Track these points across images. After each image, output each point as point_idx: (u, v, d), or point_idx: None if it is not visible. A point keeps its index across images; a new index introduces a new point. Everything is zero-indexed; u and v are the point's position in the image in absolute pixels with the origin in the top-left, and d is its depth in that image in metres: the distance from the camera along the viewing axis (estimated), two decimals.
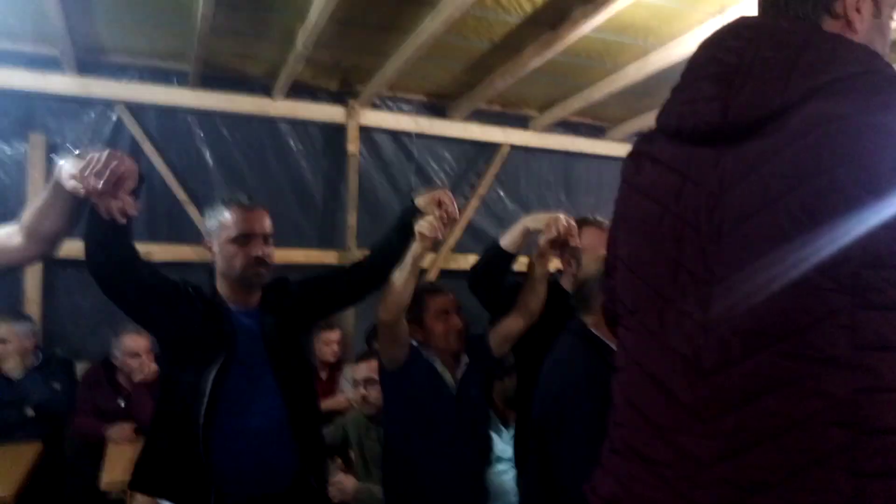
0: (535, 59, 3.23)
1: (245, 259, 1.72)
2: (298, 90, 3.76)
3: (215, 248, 1.76)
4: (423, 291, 2.05)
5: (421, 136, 4.15)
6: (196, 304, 1.72)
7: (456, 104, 4.11)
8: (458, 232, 4.17)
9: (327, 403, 3.23)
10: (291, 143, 3.89)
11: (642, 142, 1.14)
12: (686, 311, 0.97)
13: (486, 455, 2.16)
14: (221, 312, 1.73)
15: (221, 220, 1.75)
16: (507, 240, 2.06)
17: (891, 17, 1.02)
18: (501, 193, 4.43)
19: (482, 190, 4.30)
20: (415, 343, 2.05)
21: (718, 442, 0.91)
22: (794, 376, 0.87)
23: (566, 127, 4.52)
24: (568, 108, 4.08)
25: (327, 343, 3.47)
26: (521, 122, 4.41)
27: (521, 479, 2.12)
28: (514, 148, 4.38)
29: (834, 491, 0.84)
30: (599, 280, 1.59)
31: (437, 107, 4.17)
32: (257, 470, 1.67)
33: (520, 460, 2.17)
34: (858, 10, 0.97)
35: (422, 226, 1.80)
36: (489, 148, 4.34)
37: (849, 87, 0.89)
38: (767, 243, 0.90)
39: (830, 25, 0.97)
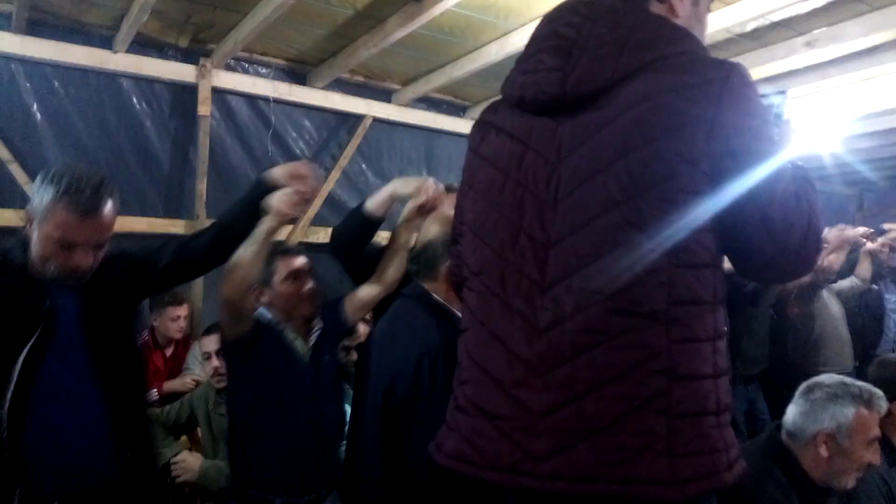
0: (399, 31, 3.21)
1: (60, 266, 1.50)
2: (144, 44, 3.48)
3: (34, 227, 1.52)
4: (274, 254, 1.97)
5: (280, 103, 3.99)
6: (6, 275, 1.51)
7: (317, 71, 3.99)
8: (317, 204, 4.08)
9: (172, 385, 3.08)
10: (135, 101, 3.59)
11: (488, 111, 1.19)
12: (525, 271, 1.02)
13: (339, 428, 2.11)
14: (36, 286, 1.52)
15: (49, 209, 1.48)
16: (371, 204, 1.93)
17: (708, 7, 1.13)
18: (363, 166, 4.40)
19: (343, 161, 4.23)
20: (263, 310, 1.99)
21: (553, 393, 0.97)
22: (619, 330, 0.94)
23: (429, 103, 4.55)
24: (430, 84, 4.11)
25: (173, 318, 3.27)
26: (385, 95, 4.38)
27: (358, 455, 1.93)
28: (376, 120, 4.35)
29: (652, 432, 0.93)
30: (444, 243, 1.56)
31: (297, 73, 4.03)
32: (71, 464, 1.50)
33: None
34: None
35: (277, 200, 1.68)
36: (351, 119, 4.27)
37: (670, 65, 0.97)
38: (598, 208, 0.96)
39: (657, 8, 1.06)
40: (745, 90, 0.96)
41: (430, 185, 1.88)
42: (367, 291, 2.03)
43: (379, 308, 2.03)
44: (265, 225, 1.71)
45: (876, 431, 1.58)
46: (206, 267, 1.80)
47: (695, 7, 1.10)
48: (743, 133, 0.94)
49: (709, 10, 1.15)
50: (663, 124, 0.94)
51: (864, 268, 3.25)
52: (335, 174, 4.21)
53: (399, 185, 1.95)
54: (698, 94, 0.94)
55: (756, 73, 3.72)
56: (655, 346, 0.94)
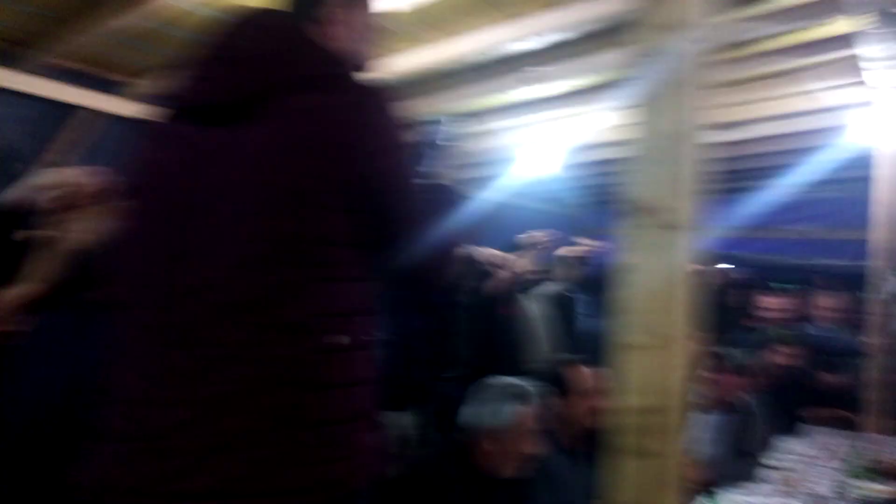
0: (120, 18, 2.95)
1: None
2: None
3: None
4: None
5: None
6: None
7: (27, 55, 3.51)
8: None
9: None
10: None
11: (150, 115, 1.13)
12: (160, 284, 0.98)
13: None
14: None
15: None
16: (4, 199, 1.80)
17: (363, 33, 1.20)
18: (80, 162, 3.95)
19: (52, 156, 3.77)
20: None
21: (185, 411, 0.94)
22: (256, 343, 0.95)
23: None
24: (163, 80, 3.83)
25: None
26: (111, 88, 3.98)
27: None
28: (100, 114, 3.94)
29: (287, 443, 0.94)
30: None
31: (2, 54, 3.50)
32: None
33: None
34: (335, 22, 1.14)
35: None
36: (67, 110, 3.83)
37: (324, 83, 1.02)
38: (235, 221, 0.96)
39: (313, 30, 1.10)
40: (384, 115, 1.04)
41: (66, 180, 1.77)
42: (10, 292, 1.82)
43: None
44: None
45: (533, 425, 1.80)
46: None
47: (352, 31, 1.16)
48: (378, 156, 1.01)
49: (368, 35, 1.22)
50: (302, 143, 0.97)
51: (559, 273, 3.71)
52: (41, 167, 3.72)
53: (38, 179, 1.82)
54: (337, 116, 0.99)
55: (475, 105, 4.08)
56: (291, 357, 0.96)
